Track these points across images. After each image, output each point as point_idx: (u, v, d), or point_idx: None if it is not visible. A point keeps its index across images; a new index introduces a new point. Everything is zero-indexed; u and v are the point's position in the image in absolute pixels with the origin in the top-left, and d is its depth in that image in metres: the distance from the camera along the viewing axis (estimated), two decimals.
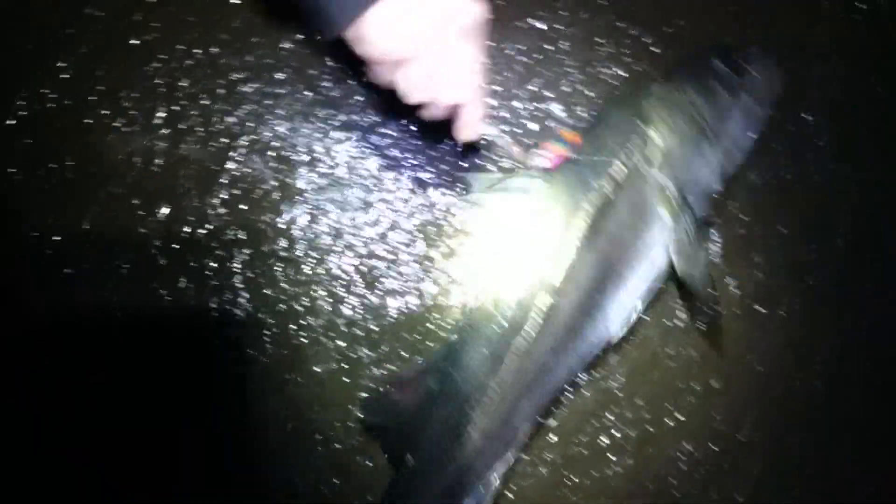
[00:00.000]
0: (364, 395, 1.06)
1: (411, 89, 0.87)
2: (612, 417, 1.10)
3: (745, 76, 1.00)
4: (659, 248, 0.99)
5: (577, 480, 1.08)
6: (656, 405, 1.10)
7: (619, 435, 1.09)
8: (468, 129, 0.94)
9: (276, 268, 1.10)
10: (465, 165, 1.11)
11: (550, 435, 1.09)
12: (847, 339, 1.13)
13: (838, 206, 1.13)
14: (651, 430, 1.10)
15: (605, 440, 1.09)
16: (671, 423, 1.10)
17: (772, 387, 1.12)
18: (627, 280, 0.98)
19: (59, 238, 1.09)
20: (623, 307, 0.99)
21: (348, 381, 1.08)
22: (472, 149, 1.10)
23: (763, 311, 1.12)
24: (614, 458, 1.08)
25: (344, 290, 1.10)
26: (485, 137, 1.03)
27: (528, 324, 0.94)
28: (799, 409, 1.12)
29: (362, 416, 1.05)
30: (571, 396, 1.10)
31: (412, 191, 1.11)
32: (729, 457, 1.09)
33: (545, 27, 1.14)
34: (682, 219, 0.96)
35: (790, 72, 1.12)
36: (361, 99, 1.12)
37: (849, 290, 1.13)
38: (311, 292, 1.09)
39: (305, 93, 1.12)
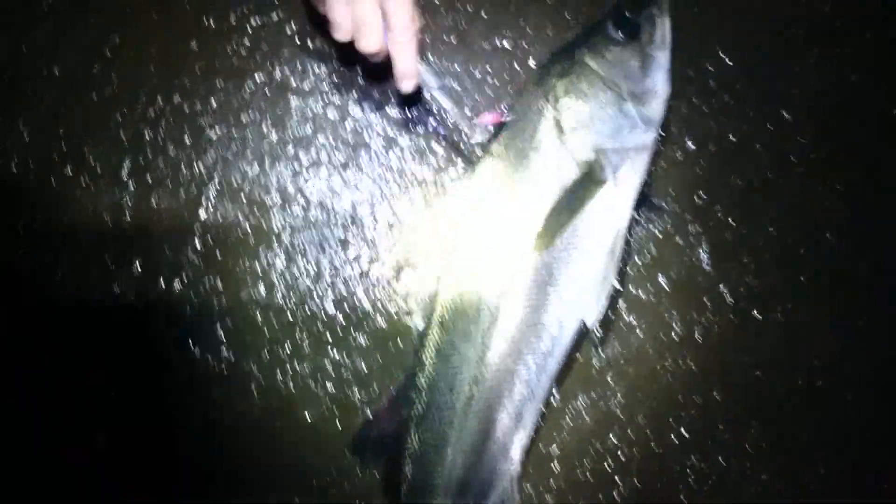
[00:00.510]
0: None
1: (336, 26, 0.87)
2: (614, 439, 1.07)
3: (638, 28, 0.97)
4: (597, 218, 0.95)
5: None
6: (659, 422, 1.07)
7: (623, 457, 1.06)
8: (401, 78, 0.92)
9: (256, 315, 1.07)
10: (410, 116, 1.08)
11: (553, 463, 1.05)
12: (846, 335, 1.10)
13: (825, 201, 1.11)
14: (656, 448, 1.07)
15: (609, 463, 1.06)
16: (675, 440, 1.07)
17: (775, 392, 1.09)
18: (575, 260, 0.95)
19: (30, 299, 1.06)
20: (583, 286, 0.96)
21: (342, 424, 1.05)
22: (414, 101, 1.06)
23: (759, 315, 1.09)
24: (620, 481, 1.05)
25: (328, 331, 1.07)
26: (429, 92, 1.00)
27: (486, 324, 0.94)
28: (803, 412, 1.09)
29: (353, 455, 1.03)
30: (570, 421, 1.06)
31: (389, 225, 1.08)
32: (737, 468, 1.06)
33: (510, 47, 1.11)
34: (608, 182, 0.94)
35: (767, 70, 1.10)
36: (331, 136, 1.09)
37: (844, 285, 1.10)
38: (295, 337, 1.06)
39: (273, 134, 1.10)
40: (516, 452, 0.98)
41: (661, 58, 0.95)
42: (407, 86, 0.94)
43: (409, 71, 0.92)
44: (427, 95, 1.03)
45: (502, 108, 0.98)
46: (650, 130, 0.95)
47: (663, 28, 0.96)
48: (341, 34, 0.89)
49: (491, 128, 0.99)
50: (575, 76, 0.95)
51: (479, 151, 1.03)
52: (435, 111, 1.05)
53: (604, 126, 0.94)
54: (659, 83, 0.95)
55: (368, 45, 0.89)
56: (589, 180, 0.94)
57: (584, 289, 0.96)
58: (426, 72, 0.95)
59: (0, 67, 1.10)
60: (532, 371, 0.96)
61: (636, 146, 0.96)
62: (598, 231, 0.95)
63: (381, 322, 1.07)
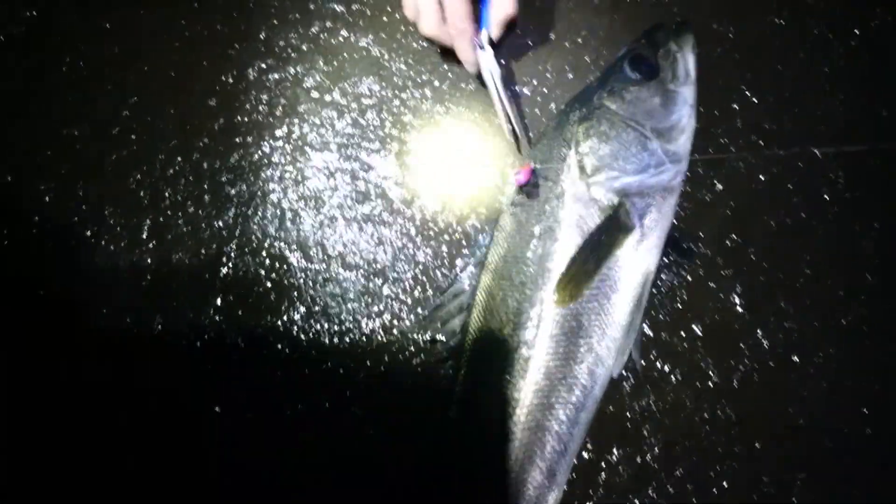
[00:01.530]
0: None
1: (404, 4, 1.00)
2: (652, 494, 1.02)
3: (656, 67, 0.95)
4: (625, 265, 0.92)
5: None
6: (699, 475, 1.02)
7: None
8: (463, 58, 1.00)
9: (278, 373, 1.04)
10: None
11: None
12: (892, 380, 1.05)
13: (862, 240, 1.07)
14: (697, 502, 1.01)
15: None
16: (717, 493, 1.02)
17: (820, 441, 1.04)
18: (604, 308, 0.92)
19: (52, 361, 1.05)
20: (613, 334, 0.93)
21: (367, 485, 1.02)
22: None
23: (798, 360, 1.05)
24: None
25: (352, 390, 1.04)
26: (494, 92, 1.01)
27: (514, 377, 0.91)
28: (851, 461, 1.03)
29: None
30: (605, 476, 1.02)
31: (412, 278, 1.06)
32: None
33: (529, 92, 1.10)
34: (634, 229, 0.92)
35: (795, 109, 1.08)
36: (350, 189, 1.08)
37: (886, 327, 1.05)
38: (318, 397, 1.04)
39: (292, 189, 1.08)
40: None
41: (685, 93, 0.93)
42: (469, 69, 1.02)
43: (465, 58, 1.01)
44: (493, 95, 1.01)
45: (533, 164, 0.95)
46: (677, 166, 0.92)
47: (685, 63, 0.94)
48: (408, 13, 1.00)
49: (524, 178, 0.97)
50: (595, 119, 0.94)
51: (504, 200, 1.01)
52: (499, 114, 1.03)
53: (628, 165, 0.92)
54: (683, 118, 0.93)
55: (423, 28, 0.98)
56: (615, 227, 0.91)
57: (613, 337, 0.92)
58: (496, 73, 0.98)
59: (21, 131, 1.10)
60: (563, 424, 0.93)
61: (663, 186, 0.93)
62: (627, 278, 0.92)
63: (406, 377, 1.04)
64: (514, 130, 0.99)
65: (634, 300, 0.93)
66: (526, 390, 0.91)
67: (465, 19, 0.95)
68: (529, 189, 0.96)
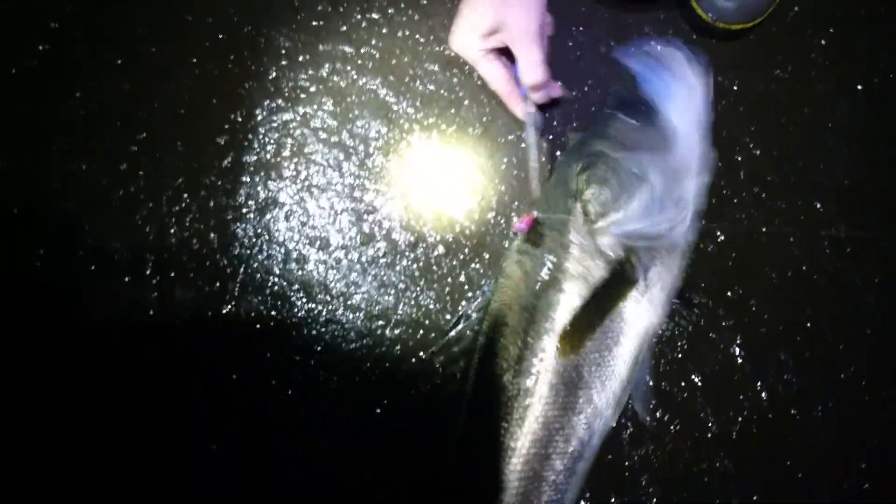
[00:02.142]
0: None
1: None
2: None
3: (649, 110, 0.95)
4: (629, 318, 0.93)
5: None
6: None
7: None
8: (527, 72, 0.99)
9: (277, 413, 1.05)
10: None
11: None
12: (892, 433, 1.05)
13: (864, 295, 1.07)
14: None
15: None
16: None
17: (818, 494, 1.04)
18: (606, 361, 0.92)
19: (53, 399, 1.05)
20: (613, 387, 0.93)
21: None
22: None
23: (797, 413, 1.05)
24: None
25: (351, 433, 1.04)
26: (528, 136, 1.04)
27: (512, 426, 0.91)
28: None
29: None
30: None
31: (416, 321, 1.06)
32: None
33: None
34: (639, 282, 0.92)
35: (798, 162, 1.09)
36: (356, 231, 1.09)
37: (887, 383, 1.06)
38: (317, 438, 1.04)
39: (298, 229, 1.09)
40: None
41: (687, 131, 0.93)
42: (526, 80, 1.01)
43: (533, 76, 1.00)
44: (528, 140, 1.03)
45: (533, 211, 0.96)
46: (683, 210, 0.92)
47: (689, 98, 0.93)
48: None
49: (523, 232, 0.97)
50: (595, 168, 0.94)
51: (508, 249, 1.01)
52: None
53: (633, 212, 0.92)
54: (688, 159, 0.92)
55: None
56: (620, 280, 0.92)
57: (613, 390, 0.93)
58: (534, 120, 1.01)
59: (27, 163, 1.11)
60: (560, 475, 0.92)
61: (667, 234, 0.93)
62: (629, 332, 0.93)
63: (405, 421, 1.04)
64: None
65: (635, 354, 0.93)
66: (523, 439, 0.91)
67: (506, 83, 1.02)
68: (534, 237, 0.96)
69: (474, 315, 1.00)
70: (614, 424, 0.94)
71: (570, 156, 0.99)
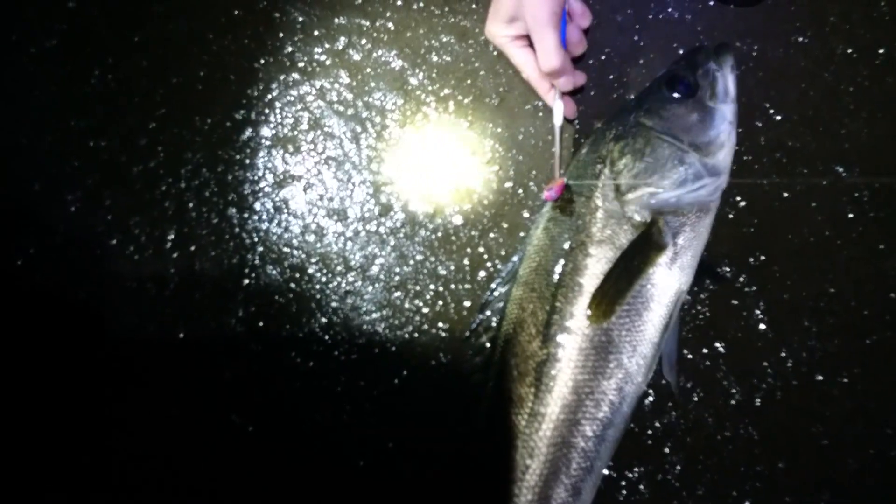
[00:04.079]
0: None
1: None
2: None
3: (693, 86, 0.95)
4: (658, 283, 0.92)
5: None
6: (720, 494, 1.01)
7: None
8: (543, 57, 0.97)
9: (297, 384, 1.05)
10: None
11: None
12: None
13: (887, 259, 1.06)
14: None
15: None
16: None
17: (843, 460, 1.03)
18: (636, 325, 0.92)
19: (75, 371, 1.06)
20: (643, 351, 0.92)
21: (390, 496, 1.01)
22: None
23: (822, 379, 1.03)
24: None
25: (371, 403, 1.04)
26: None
27: (541, 391, 0.91)
28: (875, 483, 1.02)
29: None
30: (626, 494, 1.01)
31: (435, 291, 1.06)
32: None
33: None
34: (667, 247, 0.91)
35: (819, 126, 1.07)
36: (371, 202, 1.09)
37: None
38: (337, 409, 1.04)
39: (314, 203, 1.09)
40: None
41: (724, 110, 0.93)
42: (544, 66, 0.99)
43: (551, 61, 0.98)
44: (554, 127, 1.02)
45: (566, 179, 0.96)
46: (717, 180, 0.92)
47: (725, 82, 0.94)
48: None
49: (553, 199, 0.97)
50: (631, 137, 0.94)
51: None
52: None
53: (665, 180, 0.91)
54: (723, 134, 0.93)
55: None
56: (648, 245, 0.91)
57: (644, 354, 0.92)
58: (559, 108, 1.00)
59: (48, 141, 1.12)
60: (590, 441, 0.92)
61: (700, 202, 0.93)
62: (659, 297, 0.92)
63: (427, 391, 1.04)
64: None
65: (666, 319, 0.92)
66: (553, 405, 0.90)
67: (534, 69, 1.02)
68: (562, 204, 0.96)
69: (498, 291, 0.99)
70: (645, 389, 0.93)
71: (607, 124, 0.99)
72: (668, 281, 0.92)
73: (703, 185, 0.90)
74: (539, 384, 0.91)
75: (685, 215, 0.92)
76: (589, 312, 0.89)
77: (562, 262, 0.93)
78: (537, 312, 0.93)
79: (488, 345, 0.99)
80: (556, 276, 0.93)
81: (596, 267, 0.91)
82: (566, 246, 0.93)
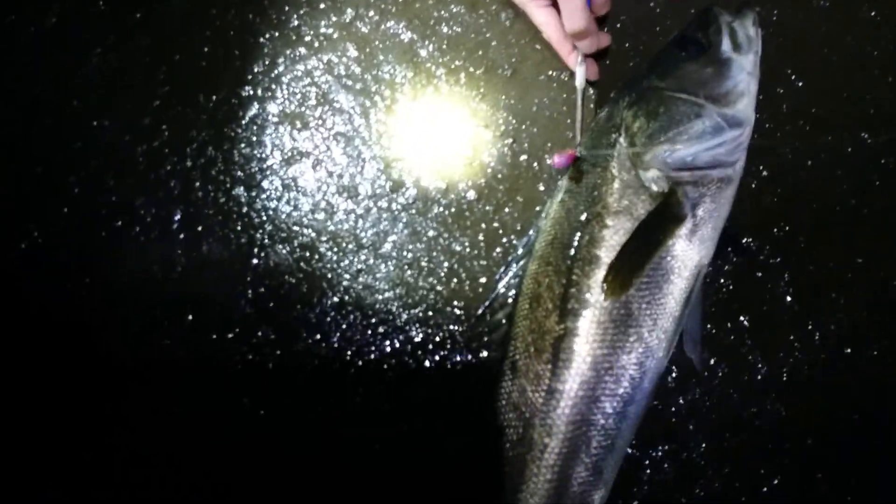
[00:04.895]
0: None
1: None
2: (699, 492, 0.98)
3: (704, 44, 0.91)
4: (679, 254, 0.89)
5: None
6: (748, 472, 0.98)
7: None
8: (568, 18, 0.95)
9: (309, 365, 1.02)
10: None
11: None
12: None
13: None
14: (746, 500, 0.97)
15: None
16: (767, 491, 0.98)
17: (875, 435, 0.99)
18: (656, 298, 0.88)
19: (80, 355, 1.03)
20: (664, 325, 0.89)
21: (409, 485, 0.98)
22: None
23: (850, 352, 1.00)
24: None
25: (386, 383, 1.01)
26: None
27: (558, 367, 0.88)
28: None
29: None
30: (650, 473, 0.98)
31: (450, 268, 1.03)
32: None
33: (566, 78, 1.07)
34: (686, 218, 0.87)
35: (843, 93, 1.04)
36: (382, 178, 1.06)
37: None
38: (350, 390, 1.01)
39: (323, 180, 1.06)
40: None
41: (741, 61, 0.88)
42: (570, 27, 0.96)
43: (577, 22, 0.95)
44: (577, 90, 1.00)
45: (576, 147, 0.93)
46: (737, 131, 0.87)
47: (743, 31, 0.89)
48: None
49: (562, 168, 0.94)
50: (644, 101, 0.90)
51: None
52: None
53: (681, 135, 0.87)
54: (741, 84, 0.87)
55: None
56: (666, 216, 0.88)
57: (665, 328, 0.89)
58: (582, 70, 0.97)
59: (50, 123, 1.09)
60: (610, 419, 0.89)
61: (722, 160, 0.88)
62: (679, 270, 0.89)
63: (442, 370, 1.01)
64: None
65: (687, 291, 0.89)
66: (571, 382, 0.87)
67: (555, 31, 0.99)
68: (577, 176, 0.92)
69: (514, 267, 0.96)
70: (668, 365, 0.89)
71: (619, 93, 0.96)
72: (688, 253, 0.88)
73: (722, 140, 0.86)
74: (556, 360, 0.88)
75: (705, 185, 0.88)
76: (605, 286, 0.86)
77: (578, 234, 0.90)
78: (553, 287, 0.90)
79: (504, 321, 0.96)
80: (572, 249, 0.90)
81: (613, 239, 0.88)
82: (582, 218, 0.90)
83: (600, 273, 0.87)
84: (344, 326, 1.02)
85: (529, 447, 0.89)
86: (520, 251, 0.97)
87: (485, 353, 0.97)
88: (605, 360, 0.87)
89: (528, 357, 0.90)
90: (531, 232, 0.97)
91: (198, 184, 1.07)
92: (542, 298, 0.91)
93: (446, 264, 1.03)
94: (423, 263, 1.03)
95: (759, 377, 0.99)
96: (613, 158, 0.90)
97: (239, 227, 1.05)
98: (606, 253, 0.88)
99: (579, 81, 0.98)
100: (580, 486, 0.89)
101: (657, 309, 0.88)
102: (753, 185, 1.03)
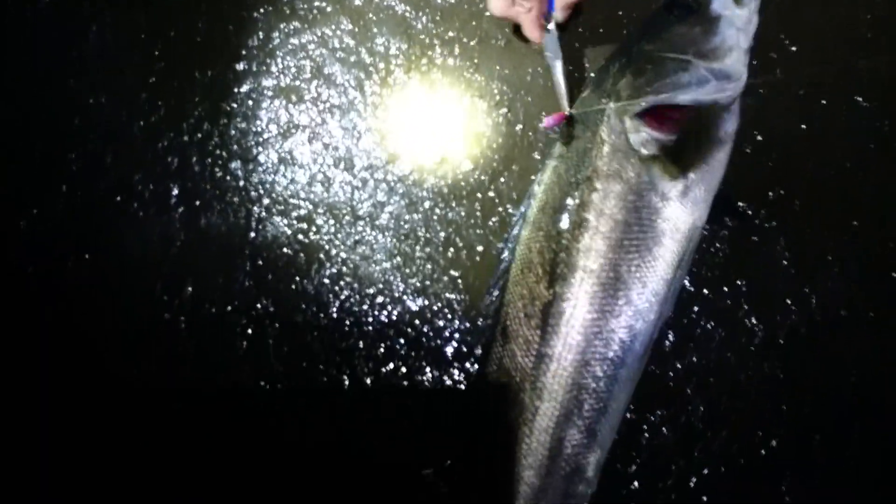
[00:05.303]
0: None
1: None
2: (697, 455, 0.98)
3: (691, 6, 0.91)
4: (668, 216, 0.89)
5: None
6: (746, 435, 0.99)
7: (708, 474, 0.97)
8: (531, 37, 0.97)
9: (308, 336, 1.03)
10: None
11: (633, 483, 0.97)
12: None
13: None
14: (745, 463, 0.98)
15: (694, 481, 0.97)
16: (765, 453, 0.98)
17: (872, 396, 1.00)
18: (646, 261, 0.88)
19: (82, 330, 1.04)
20: (654, 288, 0.89)
21: (407, 452, 0.99)
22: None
23: (847, 315, 1.00)
24: (708, 500, 0.96)
25: (385, 353, 1.02)
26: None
27: (547, 331, 0.88)
28: None
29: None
30: (648, 437, 0.99)
31: (447, 238, 1.04)
32: (839, 485, 0.97)
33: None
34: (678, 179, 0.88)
35: (837, 57, 1.04)
36: (378, 149, 1.06)
37: None
38: (354, 361, 1.01)
39: (319, 152, 1.07)
40: (591, 472, 0.90)
41: (731, 17, 0.89)
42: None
43: (532, 37, 0.98)
44: (555, 75, 0.98)
45: (565, 109, 0.93)
46: (727, 85, 0.87)
47: None
48: None
49: (554, 129, 0.94)
50: (634, 64, 0.90)
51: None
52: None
53: (667, 85, 0.87)
54: (729, 39, 0.88)
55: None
56: (655, 178, 0.88)
57: (655, 291, 0.89)
58: (559, 54, 0.95)
59: (48, 101, 1.10)
60: (602, 382, 0.89)
61: (702, 97, 0.88)
62: (670, 232, 0.89)
63: (440, 339, 1.01)
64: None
65: (678, 255, 0.89)
66: (559, 346, 0.88)
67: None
68: (568, 141, 0.93)
69: (513, 235, 0.97)
70: (660, 327, 0.90)
71: (609, 60, 0.96)
72: (679, 216, 0.89)
73: (711, 88, 0.86)
74: (545, 326, 0.88)
75: (697, 146, 0.88)
76: (592, 245, 0.86)
77: (568, 199, 0.90)
78: (544, 252, 0.90)
79: (497, 291, 0.96)
80: (562, 214, 0.90)
81: (602, 202, 0.88)
82: (572, 181, 0.90)
83: (589, 237, 0.87)
84: (342, 297, 1.03)
85: (521, 410, 0.89)
86: (517, 218, 0.97)
87: (481, 322, 0.97)
88: (594, 325, 0.87)
89: (518, 323, 0.91)
90: (526, 199, 0.97)
91: (195, 159, 1.07)
92: (533, 264, 0.91)
93: (443, 234, 1.04)
94: (420, 233, 1.04)
95: (756, 341, 1.00)
96: (603, 122, 0.90)
97: (236, 201, 1.06)
98: (596, 217, 0.88)
99: (552, 53, 0.97)
100: (574, 448, 0.89)
101: (647, 272, 0.88)
102: (748, 151, 1.03)
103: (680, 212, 0.89)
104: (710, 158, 0.90)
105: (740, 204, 1.02)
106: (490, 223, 1.04)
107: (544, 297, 0.89)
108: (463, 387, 0.98)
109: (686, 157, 0.90)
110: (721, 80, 0.86)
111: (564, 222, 0.90)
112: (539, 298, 0.90)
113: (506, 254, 0.96)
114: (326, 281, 1.04)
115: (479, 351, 0.98)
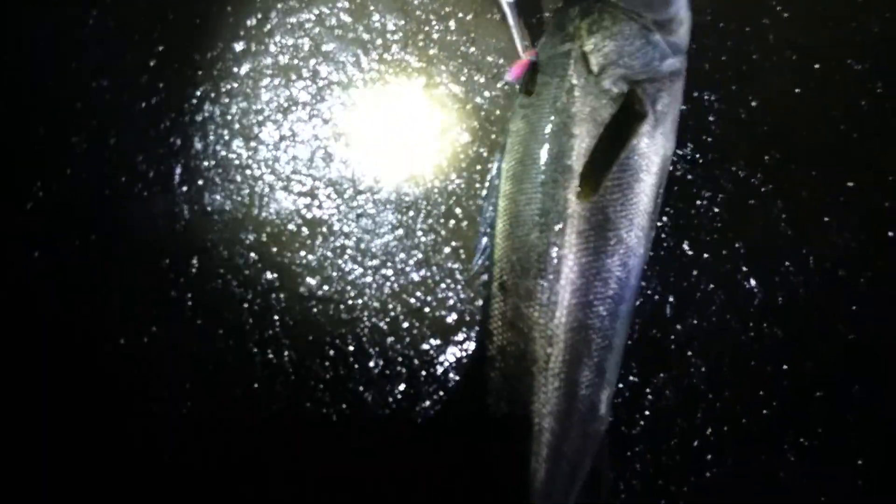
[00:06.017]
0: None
1: None
2: (699, 416, 1.00)
3: None
4: (644, 152, 0.90)
5: (674, 489, 0.97)
6: (748, 396, 1.00)
7: (712, 435, 0.98)
8: None
9: (314, 309, 1.04)
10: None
11: (637, 445, 0.99)
12: None
13: None
14: (747, 423, 0.99)
15: (697, 442, 0.99)
16: (767, 413, 0.99)
17: (873, 356, 1.01)
18: (628, 197, 0.90)
19: (88, 309, 1.05)
20: (639, 222, 0.91)
21: (414, 420, 1.01)
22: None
23: (845, 275, 1.02)
24: (712, 460, 0.98)
25: (389, 324, 1.03)
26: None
27: (549, 279, 0.89)
28: None
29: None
30: (652, 399, 1.00)
31: (448, 209, 1.05)
32: (840, 440, 0.98)
33: None
34: (648, 114, 0.89)
35: (829, 22, 1.05)
36: (377, 124, 1.08)
37: None
38: (356, 333, 1.03)
39: (320, 128, 1.08)
40: (604, 409, 0.91)
41: None
42: None
43: None
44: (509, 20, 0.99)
45: (529, 56, 0.93)
46: (679, 58, 0.91)
47: None
48: None
49: (517, 80, 0.95)
50: (597, 14, 0.92)
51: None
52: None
53: (633, 60, 0.90)
54: (682, 10, 0.91)
55: None
56: (629, 115, 0.89)
57: (641, 226, 0.90)
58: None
59: (50, 84, 1.11)
60: (605, 320, 0.90)
61: (669, 73, 0.91)
62: (647, 166, 0.90)
63: (443, 309, 1.03)
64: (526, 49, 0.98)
65: (656, 187, 0.91)
66: (562, 291, 0.89)
67: None
68: (536, 89, 0.94)
69: (492, 201, 0.98)
70: (647, 260, 0.91)
71: (566, 4, 0.97)
72: (653, 148, 0.90)
73: (667, 62, 0.90)
74: (545, 274, 0.90)
75: (660, 81, 0.90)
76: (579, 190, 0.88)
77: (546, 146, 0.91)
78: (531, 203, 0.91)
79: (489, 246, 0.97)
80: (543, 163, 0.91)
81: (581, 146, 0.89)
82: (548, 130, 0.91)
83: (574, 182, 0.89)
84: (346, 269, 1.04)
85: (534, 360, 0.90)
86: (490, 177, 0.98)
87: (482, 289, 0.98)
88: (591, 266, 0.89)
89: (516, 276, 0.91)
90: (496, 159, 0.98)
91: (197, 138, 1.09)
92: (521, 217, 0.92)
93: (443, 206, 1.05)
94: (422, 205, 1.05)
95: (756, 302, 1.01)
96: (570, 66, 0.91)
97: (239, 179, 1.07)
98: (577, 161, 0.89)
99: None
100: (587, 388, 0.90)
101: (632, 208, 0.89)
102: (744, 115, 1.04)
103: (652, 144, 0.91)
104: (672, 89, 0.92)
105: (738, 169, 1.03)
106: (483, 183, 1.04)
107: (539, 248, 0.90)
108: (468, 352, 0.99)
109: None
110: (676, 55, 0.91)
111: (548, 171, 0.91)
112: (533, 249, 0.91)
113: (490, 210, 0.97)
114: (330, 254, 1.05)
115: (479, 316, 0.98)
